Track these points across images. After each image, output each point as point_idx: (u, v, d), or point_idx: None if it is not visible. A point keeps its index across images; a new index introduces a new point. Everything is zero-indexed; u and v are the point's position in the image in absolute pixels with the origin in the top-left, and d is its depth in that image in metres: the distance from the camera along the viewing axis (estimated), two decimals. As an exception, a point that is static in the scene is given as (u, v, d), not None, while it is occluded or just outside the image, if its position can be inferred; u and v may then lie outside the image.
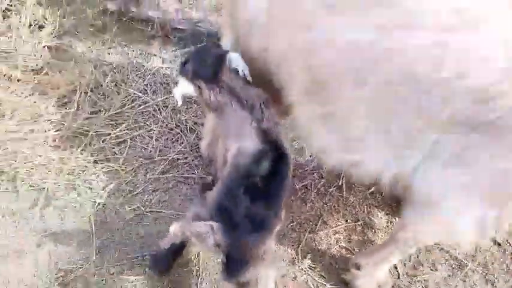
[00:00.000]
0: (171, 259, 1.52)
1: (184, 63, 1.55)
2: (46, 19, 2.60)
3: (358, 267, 1.54)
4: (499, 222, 1.20)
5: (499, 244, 1.74)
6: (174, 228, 1.28)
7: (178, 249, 1.48)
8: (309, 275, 1.62)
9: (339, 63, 1.18)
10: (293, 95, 1.37)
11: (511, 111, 0.98)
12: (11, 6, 2.59)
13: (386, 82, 1.11)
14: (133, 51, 2.53)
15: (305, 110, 1.36)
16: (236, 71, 1.42)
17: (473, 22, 0.99)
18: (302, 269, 1.64)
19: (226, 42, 1.75)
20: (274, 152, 1.34)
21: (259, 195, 1.27)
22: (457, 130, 1.06)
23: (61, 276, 1.62)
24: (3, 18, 2.57)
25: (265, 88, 1.48)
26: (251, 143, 1.33)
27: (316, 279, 1.63)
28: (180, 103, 1.52)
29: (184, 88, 1.51)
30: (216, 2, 2.79)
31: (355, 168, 1.31)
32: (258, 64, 1.48)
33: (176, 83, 1.59)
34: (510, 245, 1.75)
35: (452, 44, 1.02)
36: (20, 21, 2.55)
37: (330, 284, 1.61)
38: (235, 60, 1.42)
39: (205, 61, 1.48)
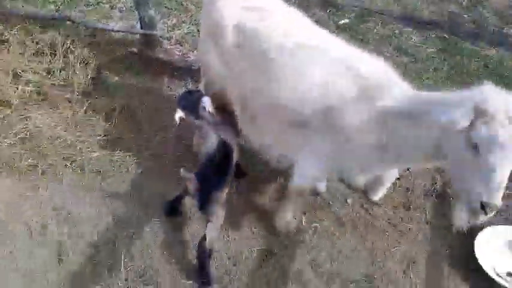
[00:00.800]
0: (175, 206, 2.91)
1: (179, 100, 2.99)
2: (90, 57, 4.03)
3: (276, 213, 2.97)
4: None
5: (366, 209, 3.17)
6: (182, 171, 2.60)
7: (178, 200, 2.87)
8: (252, 219, 3.08)
9: (250, 100, 2.62)
10: (237, 111, 2.81)
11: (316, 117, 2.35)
12: (68, 49, 4.05)
13: (269, 109, 2.52)
14: (150, 81, 3.91)
15: (241, 118, 2.81)
16: (204, 107, 2.86)
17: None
18: (249, 217, 3.09)
19: (202, 84, 3.23)
20: (225, 148, 2.78)
21: (217, 169, 2.65)
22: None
23: (115, 218, 3.05)
24: (63, 57, 4.05)
25: (225, 109, 2.92)
26: (214, 144, 2.70)
27: (256, 220, 3.04)
28: (178, 123, 2.94)
29: (179, 114, 2.91)
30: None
31: (265, 146, 2.77)
32: (220, 96, 2.93)
33: (175, 110, 2.92)
34: (373, 210, 3.17)
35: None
36: (74, 59, 4.01)
37: (264, 222, 3.02)
38: (205, 101, 2.84)
39: (190, 100, 2.90)
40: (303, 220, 3.04)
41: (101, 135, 3.51)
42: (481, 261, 2.79)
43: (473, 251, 2.83)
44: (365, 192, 3.18)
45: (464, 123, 1.85)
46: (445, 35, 4.55)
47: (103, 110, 3.67)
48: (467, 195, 1.98)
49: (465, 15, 4.74)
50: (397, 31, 4.62)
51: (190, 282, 2.71)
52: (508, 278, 2.82)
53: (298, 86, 2.37)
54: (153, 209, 3.04)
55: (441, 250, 2.93)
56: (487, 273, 2.74)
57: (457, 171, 2.06)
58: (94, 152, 3.40)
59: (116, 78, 3.98)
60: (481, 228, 2.96)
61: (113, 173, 3.28)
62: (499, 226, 3.02)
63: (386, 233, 2.99)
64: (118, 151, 3.41)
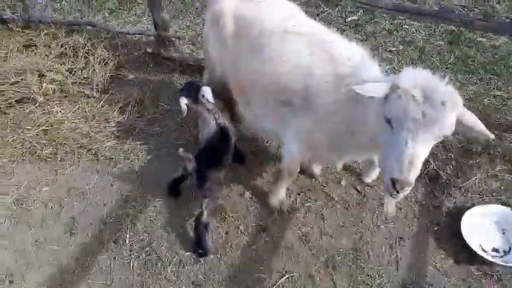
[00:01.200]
0: (177, 186, 3.26)
1: (182, 90, 3.36)
2: (109, 58, 4.55)
3: (270, 192, 3.28)
4: (313, 159, 2.95)
5: (358, 191, 3.41)
6: (180, 151, 2.94)
7: (180, 180, 3.21)
8: (249, 200, 3.38)
9: (246, 82, 2.95)
10: (236, 96, 3.15)
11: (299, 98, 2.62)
12: (88, 50, 4.56)
13: (261, 90, 2.83)
14: (163, 78, 4.36)
15: (239, 102, 3.14)
16: (203, 95, 3.21)
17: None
18: (246, 198, 3.39)
19: (206, 75, 3.60)
20: (223, 132, 3.11)
21: (215, 151, 3.01)
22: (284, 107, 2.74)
23: (123, 198, 3.45)
24: (84, 58, 4.56)
25: (225, 98, 3.28)
26: (213, 128, 3.05)
27: (252, 201, 3.36)
28: (184, 109, 3.28)
29: (184, 101, 3.28)
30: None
31: (260, 129, 3.09)
32: (220, 83, 3.27)
33: (179, 99, 3.30)
34: (365, 191, 3.39)
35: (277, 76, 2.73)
36: (94, 60, 4.51)
37: (259, 203, 3.31)
38: (205, 90, 3.19)
39: (191, 90, 3.27)
40: (297, 200, 3.31)
41: (114, 127, 3.93)
42: (465, 237, 2.95)
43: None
44: (359, 175, 3.41)
45: (374, 94, 2.02)
46: (453, 28, 4.73)
47: (118, 104, 4.11)
48: (384, 173, 2.07)
49: (474, 8, 4.90)
50: (405, 26, 4.85)
51: (188, 253, 3.02)
52: (493, 253, 2.97)
53: (285, 67, 2.67)
54: (158, 190, 3.38)
55: (429, 228, 3.10)
56: (471, 249, 2.89)
57: (382, 150, 2.18)
58: (108, 141, 3.81)
59: (132, 76, 4.45)
60: (469, 207, 3.13)
61: (123, 159, 3.68)
62: (489, 205, 3.16)
63: (376, 212, 3.20)
64: (129, 140, 3.81)
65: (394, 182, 1.96)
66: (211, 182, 2.96)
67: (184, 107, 3.22)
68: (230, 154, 3.13)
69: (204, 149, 3.04)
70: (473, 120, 2.05)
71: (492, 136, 2.07)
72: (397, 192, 1.98)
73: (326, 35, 2.74)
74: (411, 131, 1.94)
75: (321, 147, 2.71)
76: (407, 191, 2.01)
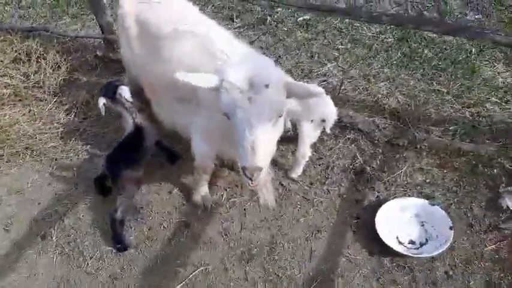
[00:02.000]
0: (102, 184, 3.42)
1: (101, 90, 3.52)
2: (61, 62, 4.78)
3: (194, 189, 3.45)
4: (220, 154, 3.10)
5: (283, 185, 3.54)
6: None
7: (102, 178, 3.39)
8: (176, 197, 3.55)
9: (154, 83, 3.13)
10: (149, 96, 3.34)
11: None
12: (40, 54, 4.80)
13: (166, 90, 2.99)
14: (109, 78, 4.60)
15: (153, 102, 3.32)
16: (121, 95, 3.37)
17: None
18: (174, 195, 3.57)
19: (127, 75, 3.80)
20: (138, 131, 3.27)
21: (131, 151, 3.20)
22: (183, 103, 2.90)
23: (56, 196, 3.66)
24: (37, 63, 4.80)
25: (143, 98, 3.45)
26: (130, 127, 3.26)
27: (180, 198, 3.52)
28: (101, 108, 3.46)
29: (102, 101, 3.40)
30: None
31: (173, 127, 3.25)
32: (136, 84, 3.45)
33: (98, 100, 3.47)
34: (290, 186, 3.53)
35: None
36: (46, 64, 4.76)
37: (186, 200, 3.47)
38: (123, 89, 3.35)
39: (109, 89, 3.43)
40: (224, 195, 3.46)
41: (60, 128, 4.15)
42: (378, 229, 3.05)
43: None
44: (286, 171, 3.55)
45: (198, 84, 2.22)
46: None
47: (66, 106, 4.33)
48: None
49: (428, 4, 5.00)
50: (356, 24, 4.96)
51: (110, 248, 3.20)
52: (409, 245, 3.07)
53: (178, 66, 2.81)
54: (90, 189, 3.58)
55: (348, 220, 3.22)
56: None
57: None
58: (52, 142, 4.03)
59: (84, 78, 4.66)
60: (387, 200, 3.24)
61: (64, 159, 3.89)
62: (410, 198, 3.26)
63: (298, 206, 3.34)
64: (72, 141, 4.01)
65: (244, 170, 2.10)
66: (125, 180, 3.15)
67: (101, 106, 3.41)
68: (146, 153, 3.33)
69: (119, 148, 3.25)
70: (299, 88, 2.23)
71: (321, 90, 2.19)
72: (251, 179, 2.11)
73: (214, 33, 2.84)
74: (244, 118, 2.09)
75: (218, 141, 2.86)
76: (260, 176, 2.15)
